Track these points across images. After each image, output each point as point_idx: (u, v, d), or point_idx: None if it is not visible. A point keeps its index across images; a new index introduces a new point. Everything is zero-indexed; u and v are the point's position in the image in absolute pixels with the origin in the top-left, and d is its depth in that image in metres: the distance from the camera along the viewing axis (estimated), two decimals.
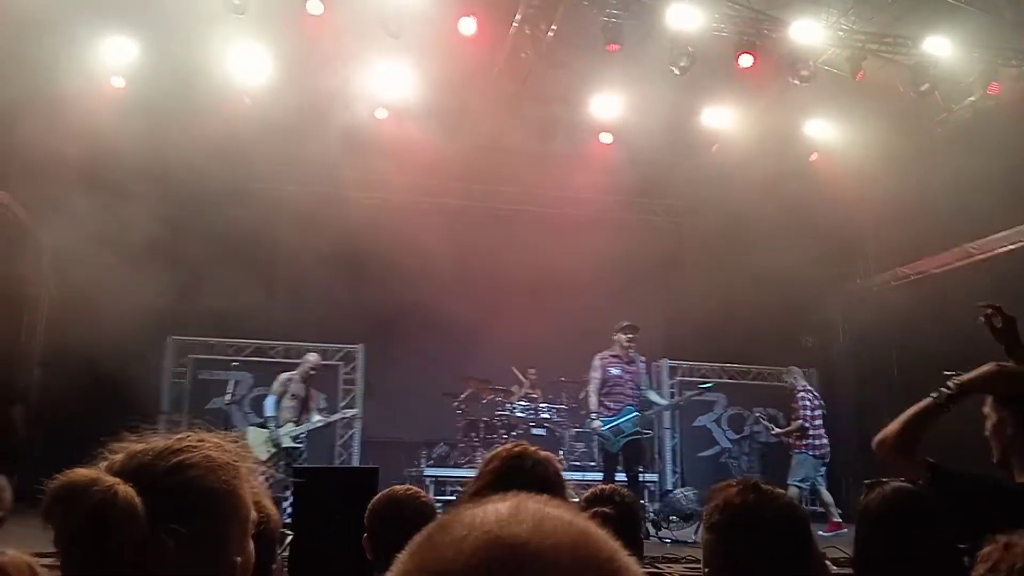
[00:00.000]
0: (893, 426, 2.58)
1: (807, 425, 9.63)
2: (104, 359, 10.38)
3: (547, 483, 2.13)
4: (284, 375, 9.55)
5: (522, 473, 2.13)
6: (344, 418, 10.60)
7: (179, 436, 1.24)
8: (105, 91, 10.25)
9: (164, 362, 11.87)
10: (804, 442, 9.66)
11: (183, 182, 10.37)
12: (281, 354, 12.18)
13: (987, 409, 2.56)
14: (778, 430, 10.63)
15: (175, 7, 9.50)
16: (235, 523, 1.23)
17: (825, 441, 9.73)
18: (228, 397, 9.57)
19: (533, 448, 2.26)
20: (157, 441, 1.22)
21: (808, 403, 9.79)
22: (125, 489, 1.10)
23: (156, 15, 9.74)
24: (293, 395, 9.34)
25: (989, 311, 2.82)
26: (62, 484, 1.09)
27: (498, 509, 0.68)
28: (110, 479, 1.11)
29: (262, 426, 9.34)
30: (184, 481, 1.17)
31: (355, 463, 11.83)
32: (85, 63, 10.08)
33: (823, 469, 9.76)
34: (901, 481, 2.48)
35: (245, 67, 10.39)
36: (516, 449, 2.24)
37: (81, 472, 1.11)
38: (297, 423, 9.32)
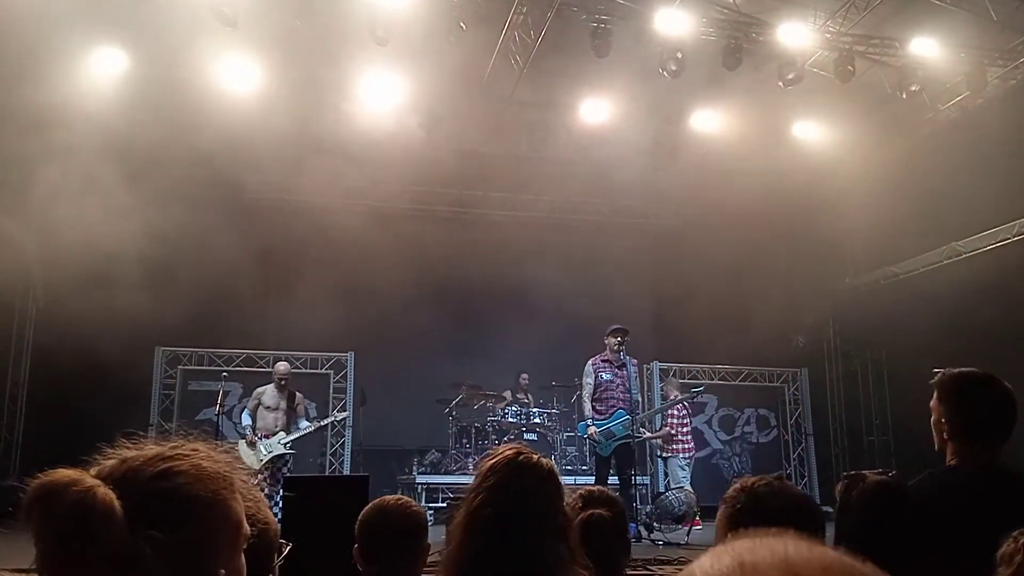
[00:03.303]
0: None
1: (674, 432, 10.46)
2: (92, 370, 10.33)
3: (549, 499, 2.02)
4: (259, 388, 9.72)
5: (525, 491, 1.99)
6: (334, 421, 10.58)
7: (172, 444, 1.22)
8: (95, 101, 10.19)
9: (153, 373, 11.79)
10: (674, 446, 10.44)
11: (172, 192, 10.32)
12: (270, 364, 12.09)
13: (932, 404, 2.83)
14: (648, 434, 10.87)
15: (165, 18, 9.47)
16: (223, 535, 1.20)
17: (691, 445, 10.61)
18: (218, 408, 9.55)
19: (535, 457, 2.08)
20: (149, 448, 1.21)
21: (677, 411, 10.57)
22: (105, 491, 1.08)
23: (146, 26, 9.71)
24: (268, 406, 9.48)
25: None
26: (42, 483, 1.07)
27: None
28: (91, 480, 1.10)
29: (242, 436, 9.48)
30: (170, 488, 1.15)
31: (346, 471, 11.78)
32: (76, 73, 10.02)
33: (688, 471, 10.52)
34: (879, 474, 2.51)
35: (235, 76, 10.37)
36: (517, 463, 2.04)
37: (63, 472, 1.09)
38: (287, 431, 9.44)
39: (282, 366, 9.82)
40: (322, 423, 10.10)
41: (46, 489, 1.07)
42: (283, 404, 9.50)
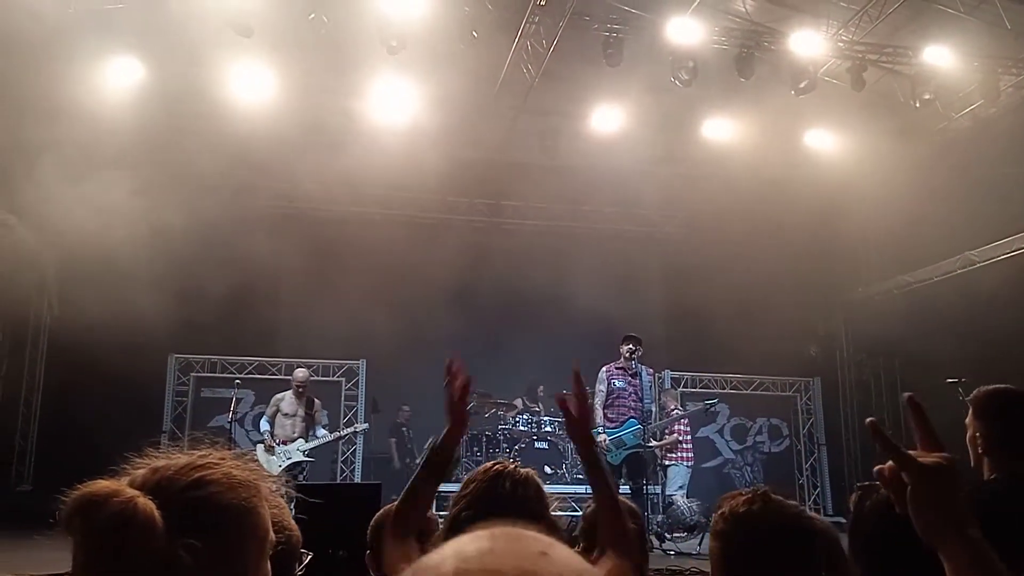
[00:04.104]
0: None
1: (681, 440, 10.48)
2: (106, 377, 10.39)
3: (526, 503, 2.10)
4: (277, 395, 9.72)
5: (501, 496, 2.10)
6: (355, 432, 10.61)
7: (201, 453, 1.24)
8: (111, 111, 10.28)
9: (166, 379, 11.84)
10: (678, 454, 10.44)
11: (186, 201, 10.39)
12: (283, 371, 12.14)
13: (968, 420, 2.89)
14: (655, 442, 10.87)
15: (180, 28, 9.53)
16: (253, 542, 1.22)
17: (692, 454, 10.69)
18: (230, 415, 9.58)
19: (512, 466, 2.21)
20: (179, 457, 1.23)
21: (684, 420, 10.65)
22: (145, 502, 1.11)
23: (161, 36, 9.79)
24: (286, 413, 9.48)
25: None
26: (83, 495, 1.09)
27: (477, 544, 0.68)
28: (130, 491, 1.12)
29: (260, 442, 9.51)
30: (203, 497, 1.17)
31: (357, 479, 11.78)
32: (92, 83, 10.10)
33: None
34: None
35: (250, 85, 10.43)
36: (493, 470, 2.18)
37: (102, 484, 1.11)
38: (306, 438, 9.47)
39: (300, 373, 9.82)
40: (342, 434, 10.07)
41: (87, 500, 1.08)
42: (301, 411, 9.50)
